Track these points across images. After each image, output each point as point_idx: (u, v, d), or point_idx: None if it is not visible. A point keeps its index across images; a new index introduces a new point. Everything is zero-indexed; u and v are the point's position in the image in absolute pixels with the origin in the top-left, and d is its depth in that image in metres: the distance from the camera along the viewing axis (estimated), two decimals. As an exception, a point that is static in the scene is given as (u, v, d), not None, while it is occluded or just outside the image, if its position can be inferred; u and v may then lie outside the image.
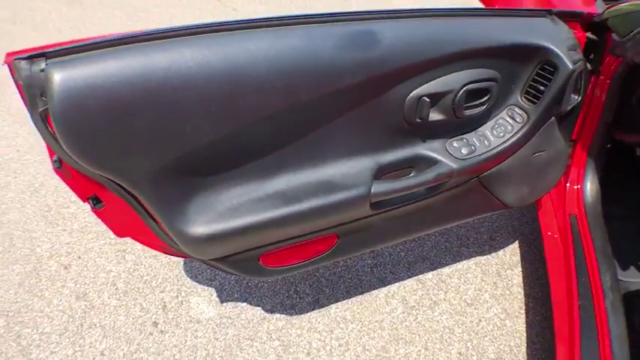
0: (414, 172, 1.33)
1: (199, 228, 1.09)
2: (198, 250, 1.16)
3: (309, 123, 1.12)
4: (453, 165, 1.30)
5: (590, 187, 1.73)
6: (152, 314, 1.80)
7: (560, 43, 1.27)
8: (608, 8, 1.42)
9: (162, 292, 1.87)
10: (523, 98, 1.36)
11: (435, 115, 1.24)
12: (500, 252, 2.04)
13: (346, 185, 1.20)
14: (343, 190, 1.19)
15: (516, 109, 1.37)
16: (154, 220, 1.11)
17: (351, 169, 1.23)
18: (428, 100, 1.18)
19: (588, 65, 1.47)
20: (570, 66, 1.26)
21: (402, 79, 1.14)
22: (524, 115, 1.36)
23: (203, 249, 1.15)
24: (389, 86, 1.14)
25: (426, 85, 1.18)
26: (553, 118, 1.41)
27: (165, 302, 1.83)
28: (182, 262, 1.97)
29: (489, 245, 2.07)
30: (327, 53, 1.01)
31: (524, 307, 1.83)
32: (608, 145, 1.76)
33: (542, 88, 1.31)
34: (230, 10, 4.22)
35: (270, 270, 1.36)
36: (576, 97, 1.40)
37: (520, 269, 1.96)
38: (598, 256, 1.57)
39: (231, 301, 1.84)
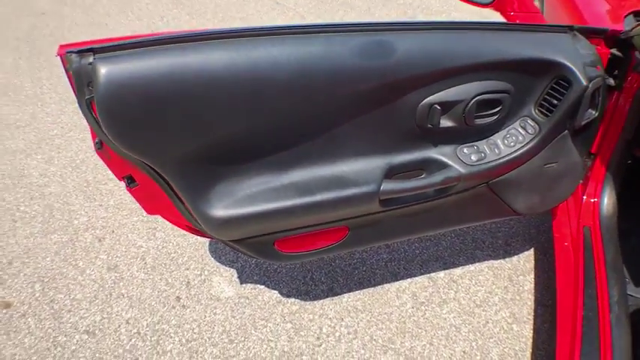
0: (425, 174, 1.40)
1: (220, 211, 1.21)
2: (217, 230, 1.27)
3: (325, 123, 1.22)
4: (462, 170, 1.36)
5: (607, 201, 1.74)
6: (176, 289, 1.93)
7: (576, 59, 1.31)
8: (637, 25, 1.45)
9: (187, 269, 2.00)
10: (536, 111, 1.40)
11: (446, 122, 1.31)
12: (515, 258, 2.08)
13: (357, 182, 1.30)
14: (354, 186, 1.29)
15: (529, 121, 1.41)
16: (181, 201, 1.23)
17: (362, 167, 1.32)
18: (439, 107, 1.25)
19: (612, 81, 1.49)
20: (584, 82, 1.29)
21: (414, 87, 1.22)
22: (536, 127, 1.40)
23: (222, 230, 1.27)
24: (402, 93, 1.22)
25: (438, 94, 1.25)
26: (566, 131, 1.44)
27: (189, 279, 1.96)
28: (207, 243, 2.10)
29: (504, 250, 2.11)
30: (344, 60, 1.11)
31: (532, 314, 1.88)
32: (629, 162, 1.78)
33: (555, 102, 1.35)
34: (273, 4, 4.33)
35: (284, 255, 1.47)
36: (593, 112, 1.41)
37: (532, 276, 2.00)
38: (608, 269, 1.59)
39: (251, 282, 1.95)
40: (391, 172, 1.35)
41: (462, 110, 1.28)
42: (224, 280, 1.96)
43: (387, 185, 1.31)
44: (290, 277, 1.98)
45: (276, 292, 1.92)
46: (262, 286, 1.94)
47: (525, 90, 1.37)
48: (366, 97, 1.19)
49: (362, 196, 1.30)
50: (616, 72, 1.49)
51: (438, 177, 1.35)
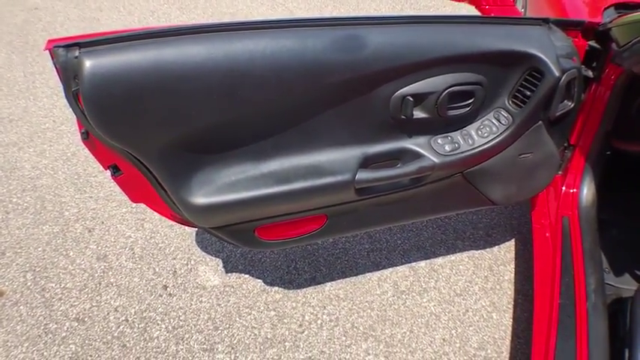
0: (400, 164, 1.47)
1: (200, 198, 1.28)
2: (198, 217, 1.35)
3: (302, 114, 1.29)
4: (436, 159, 1.42)
5: (586, 191, 1.80)
6: (163, 278, 2.01)
7: (549, 50, 1.35)
8: (616, 18, 1.49)
9: (174, 259, 2.08)
10: (510, 102, 1.45)
11: (419, 114, 1.37)
12: (495, 248, 2.16)
13: (333, 171, 1.37)
14: (330, 175, 1.36)
15: (502, 112, 1.47)
16: (163, 189, 1.31)
17: (338, 157, 1.39)
18: (412, 99, 1.31)
19: (590, 73, 1.54)
20: (556, 73, 1.34)
21: (387, 79, 1.29)
22: (510, 118, 1.45)
23: (203, 217, 1.35)
24: (375, 85, 1.29)
25: (410, 86, 1.31)
26: (541, 122, 1.49)
27: (175, 268, 2.04)
28: (194, 234, 2.19)
29: (485, 241, 2.19)
30: (317, 53, 1.17)
31: (512, 303, 1.96)
32: (608, 153, 1.83)
33: (528, 93, 1.40)
34: (263, -2, 4.38)
35: (264, 242, 1.54)
36: (569, 103, 1.47)
37: (513, 266, 2.08)
38: (585, 258, 1.65)
39: (236, 272, 2.03)
40: (367, 162, 1.42)
41: (435, 102, 1.34)
42: (210, 270, 2.04)
43: (362, 174, 1.37)
44: (274, 266, 2.06)
45: (260, 281, 2.00)
46: (247, 275, 2.02)
47: (498, 82, 1.42)
48: (340, 89, 1.26)
49: (338, 184, 1.37)
50: (594, 64, 1.53)
51: (412, 166, 1.42)
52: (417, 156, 1.44)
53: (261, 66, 1.14)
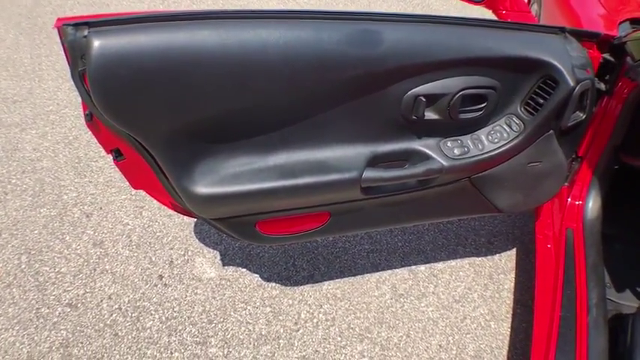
0: (408, 165, 1.43)
1: (202, 188, 1.25)
2: (199, 208, 1.32)
3: (311, 107, 1.26)
4: (444, 162, 1.39)
5: (591, 204, 1.77)
6: (159, 268, 1.98)
7: (565, 59, 1.33)
8: (632, 32, 1.47)
9: (172, 249, 2.05)
10: (523, 109, 1.43)
11: (430, 115, 1.34)
12: (496, 256, 2.13)
13: (340, 168, 1.33)
14: (336, 171, 1.33)
15: (514, 118, 1.44)
16: (165, 177, 1.27)
17: (346, 154, 1.36)
18: (424, 99, 1.29)
19: (602, 86, 1.52)
20: (571, 83, 1.31)
21: (400, 77, 1.26)
22: (521, 125, 1.43)
23: (204, 207, 1.32)
24: (388, 83, 1.26)
25: (423, 86, 1.28)
26: (552, 131, 1.46)
27: (172, 259, 2.01)
28: (192, 224, 2.15)
29: (486, 248, 2.16)
30: (331, 47, 1.15)
31: (511, 312, 1.93)
32: (616, 167, 1.80)
33: (541, 101, 1.37)
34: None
35: (265, 237, 1.50)
36: (581, 114, 1.44)
37: (513, 275, 2.05)
38: (588, 272, 1.62)
39: (233, 265, 2.00)
40: (374, 161, 1.39)
41: (447, 104, 1.32)
42: (207, 262, 2.01)
43: (368, 173, 1.34)
44: (272, 261, 2.03)
45: (257, 275, 1.97)
46: (244, 269, 1.99)
47: (512, 88, 1.40)
48: (353, 84, 1.23)
49: (344, 182, 1.33)
50: (607, 77, 1.52)
51: (419, 168, 1.39)
52: (426, 158, 1.41)
53: (274, 56, 1.11)
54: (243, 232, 1.48)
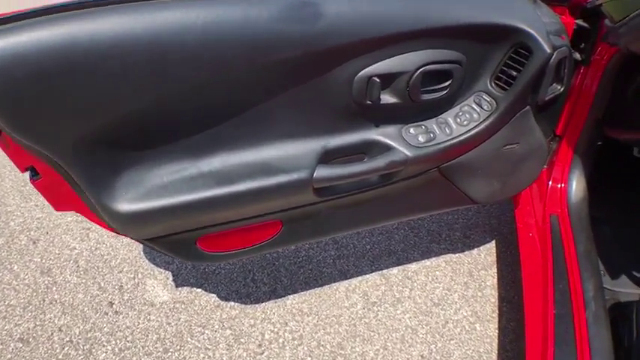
0: (367, 158, 1.09)
1: (126, 205, 0.92)
2: (125, 227, 0.98)
3: (246, 99, 0.93)
4: (408, 152, 1.06)
5: (575, 186, 1.41)
6: (109, 294, 1.58)
7: (539, 25, 1.02)
8: None
9: (120, 272, 1.64)
10: (493, 84, 1.09)
11: (387, 98, 1.01)
12: (475, 251, 1.73)
13: (286, 168, 1.00)
14: (282, 173, 0.99)
15: (484, 96, 1.11)
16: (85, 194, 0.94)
17: (292, 151, 1.02)
18: (378, 80, 0.96)
19: (578, 55, 1.21)
20: (548, 50, 1.00)
21: (347, 56, 0.93)
22: (493, 103, 1.09)
23: (131, 227, 0.98)
24: (333, 64, 0.93)
25: (376, 65, 0.95)
26: (528, 107, 1.13)
27: (122, 283, 1.61)
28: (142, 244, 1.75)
29: (462, 243, 1.76)
30: (262, 24, 0.84)
31: (497, 311, 1.54)
32: (599, 143, 1.46)
33: (514, 73, 1.05)
34: None
35: (209, 255, 1.14)
36: (558, 86, 1.13)
37: (495, 270, 1.66)
38: (580, 261, 1.27)
39: (187, 285, 1.59)
40: (327, 157, 1.04)
41: (406, 84, 0.99)
42: (158, 284, 1.60)
43: (321, 171, 1.00)
44: (229, 278, 1.61)
45: (214, 295, 1.56)
46: (199, 290, 1.57)
47: (480, 61, 1.07)
48: (292, 68, 0.90)
49: (292, 184, 0.99)
50: (582, 45, 1.22)
51: (380, 161, 1.04)
52: (387, 149, 1.07)
53: (194, 40, 0.81)
54: (182, 252, 1.11)
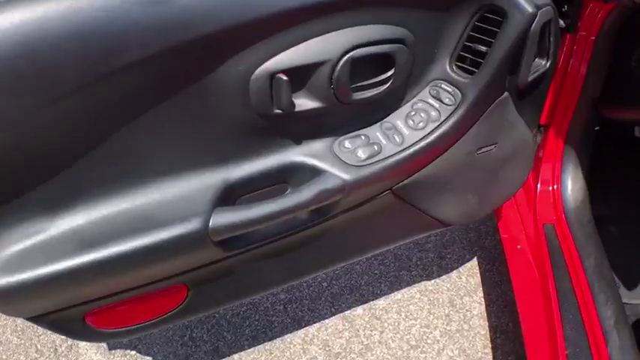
0: (290, 189, 0.78)
1: None
2: None
3: (99, 127, 0.62)
4: (344, 175, 0.74)
5: (571, 186, 1.10)
6: (45, 358, 1.33)
7: None
8: None
9: (53, 333, 1.38)
10: (454, 68, 0.78)
11: (304, 102, 0.68)
12: (454, 274, 1.36)
13: (169, 218, 0.68)
14: (167, 225, 0.68)
15: (444, 85, 0.79)
16: None
17: (178, 193, 0.70)
18: (285, 78, 0.63)
19: (561, 22, 0.88)
20: (529, 9, 0.68)
21: (234, 47, 0.61)
22: (457, 94, 0.78)
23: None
24: (215, 60, 0.61)
25: (279, 56, 0.63)
26: (506, 94, 0.81)
27: (56, 346, 1.35)
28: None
29: (438, 266, 1.39)
30: (95, 18, 0.53)
31: (489, 346, 1.21)
32: (596, 128, 1.13)
33: (483, 49, 0.73)
34: None
35: (103, 332, 0.84)
36: (543, 61, 0.81)
37: (481, 295, 1.31)
38: (592, 279, 0.96)
39: (120, 348, 1.29)
40: (231, 194, 0.73)
41: (328, 78, 0.66)
42: (91, 347, 1.31)
43: (219, 217, 0.68)
44: (165, 337, 1.29)
45: (149, 359, 1.27)
46: (133, 352, 1.27)
47: (432, 36, 0.75)
48: (155, 74, 0.58)
49: (182, 239, 0.68)
50: (565, 7, 0.90)
51: (306, 193, 0.72)
52: (315, 173, 0.74)
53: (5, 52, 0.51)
54: (71, 331, 0.82)
